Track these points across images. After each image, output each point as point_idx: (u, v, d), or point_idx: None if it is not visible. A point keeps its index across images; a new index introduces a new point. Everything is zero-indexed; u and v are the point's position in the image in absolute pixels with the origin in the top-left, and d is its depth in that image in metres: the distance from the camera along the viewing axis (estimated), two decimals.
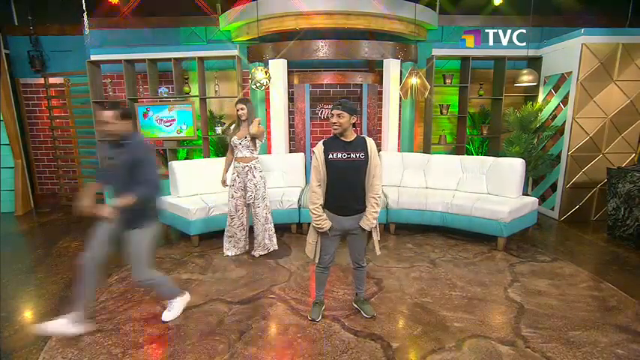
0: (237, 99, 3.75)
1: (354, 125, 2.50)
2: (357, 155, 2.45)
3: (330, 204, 2.54)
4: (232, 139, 3.72)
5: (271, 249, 3.94)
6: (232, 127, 3.77)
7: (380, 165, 2.52)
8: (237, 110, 3.67)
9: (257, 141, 3.73)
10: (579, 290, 3.18)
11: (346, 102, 2.46)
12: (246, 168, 3.73)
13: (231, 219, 3.86)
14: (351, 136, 2.48)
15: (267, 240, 3.91)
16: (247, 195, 3.78)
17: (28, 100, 6.32)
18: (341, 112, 2.41)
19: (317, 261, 2.67)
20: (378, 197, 2.52)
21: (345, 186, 2.48)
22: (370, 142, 2.52)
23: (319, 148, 2.50)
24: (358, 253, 2.68)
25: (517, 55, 5.43)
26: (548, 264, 3.71)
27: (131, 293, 3.18)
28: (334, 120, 2.42)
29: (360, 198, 2.53)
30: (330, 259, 2.69)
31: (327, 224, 2.51)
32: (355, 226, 2.56)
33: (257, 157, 3.80)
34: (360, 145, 2.49)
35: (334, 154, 2.45)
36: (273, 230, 3.95)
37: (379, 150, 5.63)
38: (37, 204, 6.19)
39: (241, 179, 3.76)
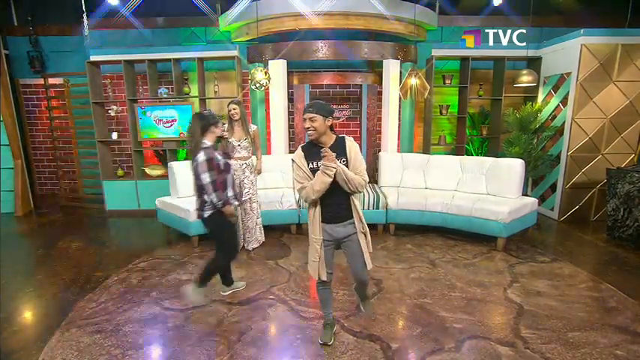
0: (230, 100, 3.92)
1: (331, 128, 2.26)
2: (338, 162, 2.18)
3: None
4: (231, 141, 3.85)
5: (262, 240, 4.19)
6: (225, 127, 3.84)
7: (362, 162, 2.25)
8: (230, 111, 3.81)
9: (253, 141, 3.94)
10: (579, 291, 3.18)
11: (319, 103, 2.21)
12: (244, 165, 3.91)
13: None
14: (329, 140, 2.23)
15: (259, 232, 4.15)
16: (244, 192, 3.93)
17: (27, 101, 6.33)
18: (313, 115, 2.15)
19: (324, 278, 2.36)
20: (360, 179, 2.21)
21: (330, 194, 2.21)
22: (349, 143, 2.26)
23: (299, 154, 2.26)
24: (358, 262, 2.37)
25: (517, 56, 5.43)
26: (548, 264, 3.71)
27: (131, 294, 3.18)
28: (307, 125, 2.17)
29: (347, 205, 2.31)
30: (330, 275, 2.40)
31: (335, 162, 2.13)
32: (347, 233, 2.33)
33: (251, 156, 4.01)
34: (339, 149, 2.23)
35: (314, 164, 2.22)
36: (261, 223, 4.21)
37: (378, 150, 5.66)
38: (37, 204, 6.19)
39: (237, 176, 3.89)
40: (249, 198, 3.96)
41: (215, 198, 2.67)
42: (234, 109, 3.79)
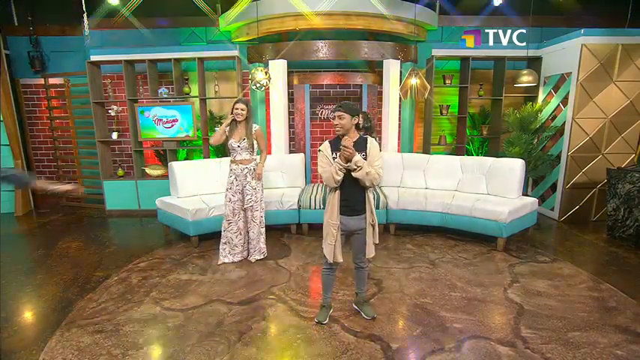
0: (236, 98, 3.67)
1: (357, 126, 2.54)
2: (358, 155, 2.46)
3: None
4: (230, 142, 3.61)
5: (266, 253, 3.90)
6: (227, 128, 3.62)
7: (380, 158, 2.52)
8: (236, 109, 3.52)
9: (255, 142, 3.67)
10: (579, 291, 3.18)
11: (347, 103, 2.51)
12: (245, 170, 3.65)
13: (229, 223, 3.74)
14: (353, 137, 2.51)
15: (262, 243, 3.86)
16: (246, 199, 3.67)
17: (28, 101, 6.32)
18: (341, 113, 2.46)
19: (339, 260, 2.61)
20: (375, 172, 2.45)
21: (349, 186, 2.50)
22: (370, 142, 2.54)
23: (326, 146, 2.55)
24: (359, 252, 2.69)
25: (517, 56, 5.43)
26: (548, 264, 3.71)
27: (131, 294, 3.18)
28: (336, 122, 2.49)
29: (362, 199, 2.57)
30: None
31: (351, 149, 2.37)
32: (359, 227, 2.60)
33: (255, 159, 3.74)
34: (361, 146, 2.51)
35: (337, 154, 2.47)
36: (265, 233, 3.91)
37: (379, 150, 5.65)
38: (37, 204, 6.19)
39: (239, 182, 3.67)
40: (251, 206, 3.69)
41: None
42: (241, 109, 3.50)
